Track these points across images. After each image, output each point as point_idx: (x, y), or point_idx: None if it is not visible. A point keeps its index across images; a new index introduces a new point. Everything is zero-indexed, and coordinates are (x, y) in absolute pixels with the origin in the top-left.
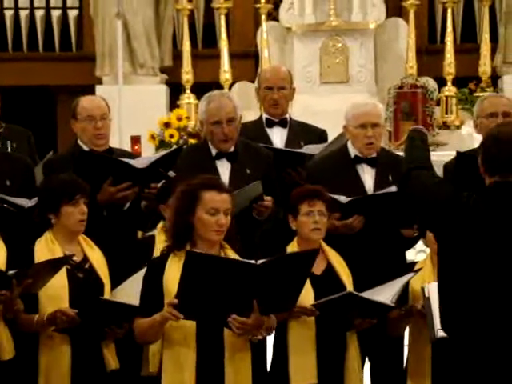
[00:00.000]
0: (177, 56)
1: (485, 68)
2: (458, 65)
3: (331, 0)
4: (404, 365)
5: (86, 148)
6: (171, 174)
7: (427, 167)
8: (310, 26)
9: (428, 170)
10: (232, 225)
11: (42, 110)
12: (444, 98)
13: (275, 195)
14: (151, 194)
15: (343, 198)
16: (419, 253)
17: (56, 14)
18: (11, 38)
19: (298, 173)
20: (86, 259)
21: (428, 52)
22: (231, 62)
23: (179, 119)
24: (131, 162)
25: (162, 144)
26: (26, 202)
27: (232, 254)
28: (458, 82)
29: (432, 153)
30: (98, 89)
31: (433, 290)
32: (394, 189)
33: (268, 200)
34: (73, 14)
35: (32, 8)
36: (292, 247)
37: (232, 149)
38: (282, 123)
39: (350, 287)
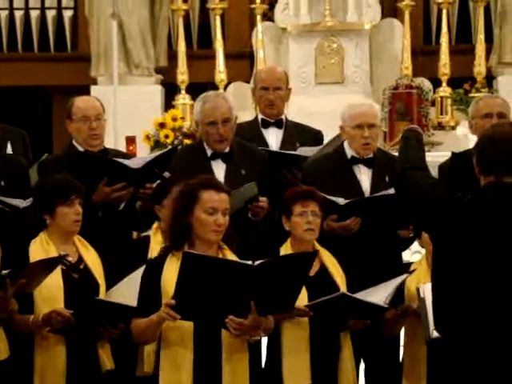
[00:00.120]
0: (172, 56)
1: (480, 69)
2: (453, 65)
3: (326, 0)
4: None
5: (80, 148)
6: (166, 174)
7: (422, 168)
8: (305, 27)
9: (423, 170)
10: (230, 225)
11: (37, 111)
12: (439, 99)
13: (270, 196)
14: (146, 194)
15: (341, 200)
16: (415, 253)
17: (51, 14)
18: (6, 39)
19: (293, 174)
20: (81, 260)
21: (423, 53)
22: (226, 62)
23: (174, 120)
24: (126, 162)
25: (157, 144)
26: (20, 203)
27: (230, 255)
28: (453, 83)
29: (427, 153)
30: (93, 89)
31: (428, 291)
32: (391, 191)
33: (263, 201)
34: (68, 14)
35: (27, 8)
36: (285, 248)
37: (227, 149)
38: (278, 124)
39: (343, 288)
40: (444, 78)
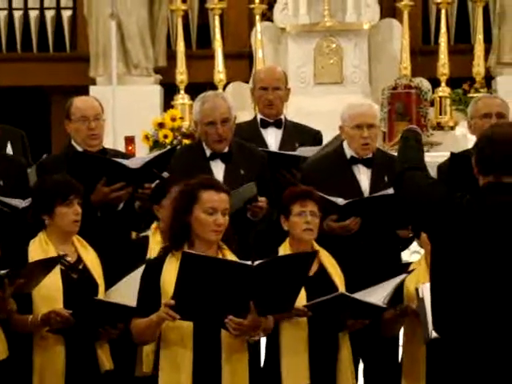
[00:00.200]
0: (171, 56)
1: (479, 69)
2: (452, 65)
3: (325, 1)
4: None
5: (79, 148)
6: (165, 174)
7: (421, 168)
8: (304, 27)
9: (422, 170)
10: (229, 225)
11: (36, 111)
12: (438, 99)
13: (269, 196)
14: (145, 194)
15: (340, 200)
16: (414, 253)
17: (50, 14)
18: (5, 39)
19: (292, 175)
20: (79, 260)
21: (422, 53)
22: (225, 62)
23: (173, 120)
24: (125, 162)
25: (155, 144)
26: (20, 203)
27: (230, 255)
28: (452, 83)
29: (426, 153)
30: (92, 89)
31: (427, 291)
32: (391, 191)
33: (262, 201)
34: (67, 14)
35: (26, 8)
36: (284, 248)
37: (226, 149)
38: (277, 124)
39: (342, 288)
40: (443, 78)
